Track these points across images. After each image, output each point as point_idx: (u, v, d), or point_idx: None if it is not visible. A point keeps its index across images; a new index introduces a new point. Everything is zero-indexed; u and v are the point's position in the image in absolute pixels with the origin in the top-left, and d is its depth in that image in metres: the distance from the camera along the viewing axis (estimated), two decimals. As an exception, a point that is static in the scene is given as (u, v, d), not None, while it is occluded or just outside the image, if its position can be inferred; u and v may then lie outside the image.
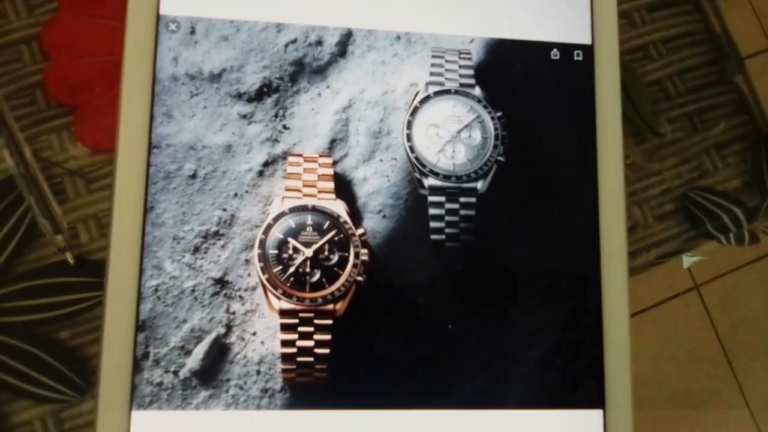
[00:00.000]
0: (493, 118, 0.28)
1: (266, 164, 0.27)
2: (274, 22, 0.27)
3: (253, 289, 0.26)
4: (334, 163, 0.27)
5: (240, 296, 0.26)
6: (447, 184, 0.27)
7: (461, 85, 0.28)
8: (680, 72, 0.34)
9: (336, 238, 0.26)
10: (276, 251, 0.26)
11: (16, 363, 0.28)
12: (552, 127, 0.29)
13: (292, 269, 0.26)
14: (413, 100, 0.28)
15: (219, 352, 0.25)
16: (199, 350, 0.25)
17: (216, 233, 0.26)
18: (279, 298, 0.25)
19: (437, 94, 0.28)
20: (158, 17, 0.27)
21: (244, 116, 0.27)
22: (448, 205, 0.27)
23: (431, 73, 0.28)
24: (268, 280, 0.25)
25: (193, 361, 0.25)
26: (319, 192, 0.26)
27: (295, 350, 0.25)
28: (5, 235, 0.28)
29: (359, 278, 0.26)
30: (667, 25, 0.34)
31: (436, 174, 0.27)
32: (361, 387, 0.26)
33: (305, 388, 0.26)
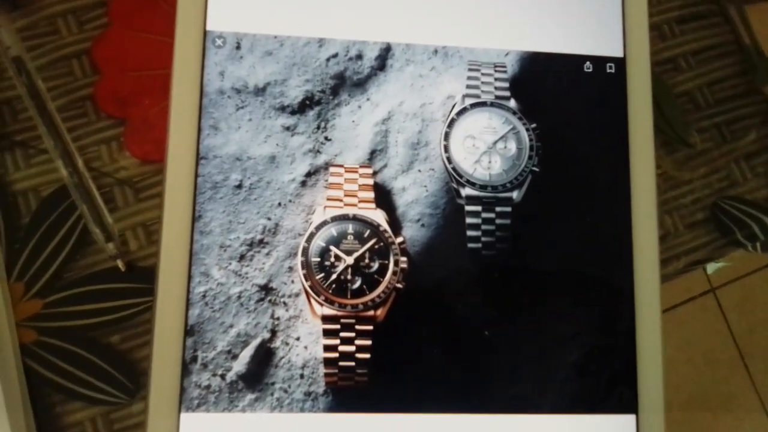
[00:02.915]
0: (527, 130, 0.29)
1: (309, 174, 0.28)
2: (316, 38, 0.28)
3: (297, 295, 0.27)
4: (374, 174, 0.28)
5: (284, 302, 0.27)
6: (483, 193, 0.28)
7: (497, 97, 0.29)
8: (709, 83, 0.35)
9: (376, 247, 0.27)
10: (318, 259, 0.27)
11: (68, 366, 0.28)
12: (585, 137, 0.29)
13: (333, 276, 0.26)
14: (450, 112, 0.29)
15: (264, 357, 0.26)
16: (245, 354, 0.26)
17: (261, 241, 0.27)
18: (321, 305, 0.26)
19: (473, 106, 0.29)
20: (205, 33, 0.28)
21: (288, 128, 0.28)
22: (485, 215, 0.28)
23: (467, 86, 0.29)
24: (310, 287, 0.26)
25: (240, 364, 0.26)
26: (359, 201, 0.27)
27: (337, 355, 0.26)
28: (59, 242, 0.29)
29: (399, 285, 0.27)
30: (696, 37, 0.35)
31: (472, 184, 0.28)
32: (400, 391, 0.27)
33: (347, 391, 0.26)
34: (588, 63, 0.30)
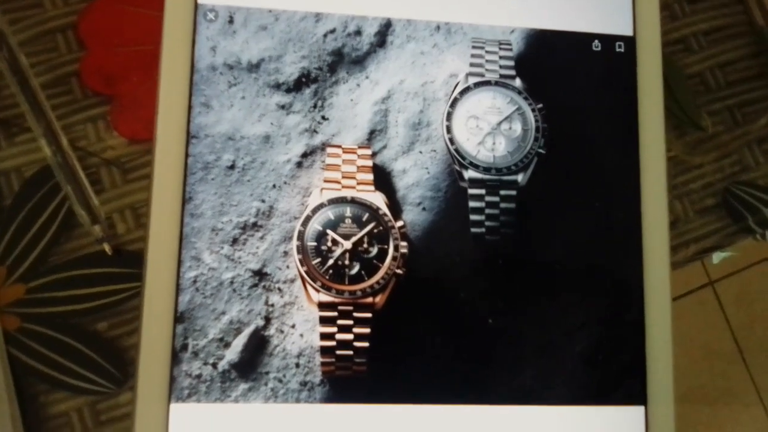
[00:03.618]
0: (533, 110, 0.28)
1: (305, 155, 0.26)
2: (312, 12, 0.27)
3: (292, 281, 0.26)
4: (374, 155, 0.27)
5: (279, 288, 0.26)
6: (487, 176, 0.27)
7: (501, 76, 0.28)
8: (721, 65, 0.34)
9: (375, 231, 0.26)
10: (315, 243, 0.26)
11: (52, 354, 0.27)
12: (593, 119, 0.28)
13: (331, 261, 0.25)
14: (453, 91, 0.28)
15: (258, 345, 0.25)
16: (238, 342, 0.25)
17: (254, 225, 0.26)
18: (318, 291, 0.25)
19: (477, 85, 0.28)
20: (196, 6, 0.26)
21: (283, 107, 0.27)
22: (488, 198, 0.27)
23: (471, 64, 0.28)
24: (306, 273, 0.25)
25: (232, 353, 0.25)
26: (358, 183, 0.26)
27: (334, 343, 0.25)
28: (43, 225, 0.28)
29: (398, 271, 0.26)
30: (707, 17, 0.34)
31: (476, 166, 0.27)
32: (400, 381, 0.26)
33: (344, 381, 0.25)
34: (596, 41, 0.29)
